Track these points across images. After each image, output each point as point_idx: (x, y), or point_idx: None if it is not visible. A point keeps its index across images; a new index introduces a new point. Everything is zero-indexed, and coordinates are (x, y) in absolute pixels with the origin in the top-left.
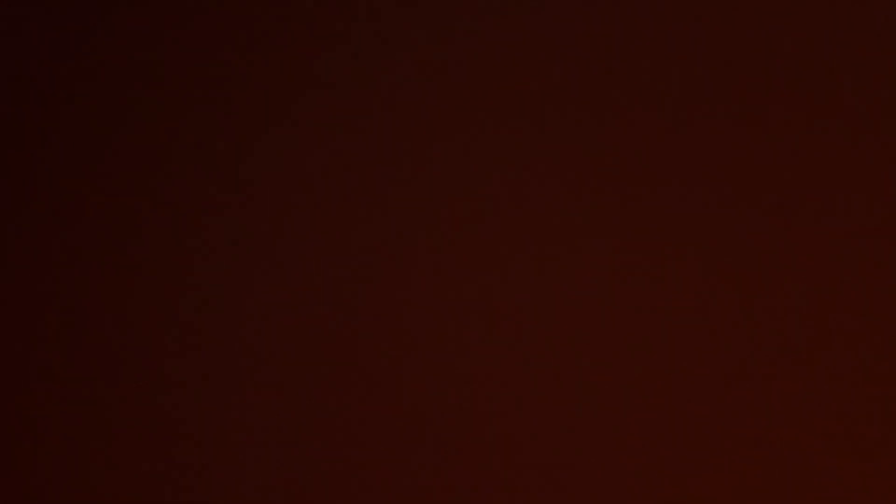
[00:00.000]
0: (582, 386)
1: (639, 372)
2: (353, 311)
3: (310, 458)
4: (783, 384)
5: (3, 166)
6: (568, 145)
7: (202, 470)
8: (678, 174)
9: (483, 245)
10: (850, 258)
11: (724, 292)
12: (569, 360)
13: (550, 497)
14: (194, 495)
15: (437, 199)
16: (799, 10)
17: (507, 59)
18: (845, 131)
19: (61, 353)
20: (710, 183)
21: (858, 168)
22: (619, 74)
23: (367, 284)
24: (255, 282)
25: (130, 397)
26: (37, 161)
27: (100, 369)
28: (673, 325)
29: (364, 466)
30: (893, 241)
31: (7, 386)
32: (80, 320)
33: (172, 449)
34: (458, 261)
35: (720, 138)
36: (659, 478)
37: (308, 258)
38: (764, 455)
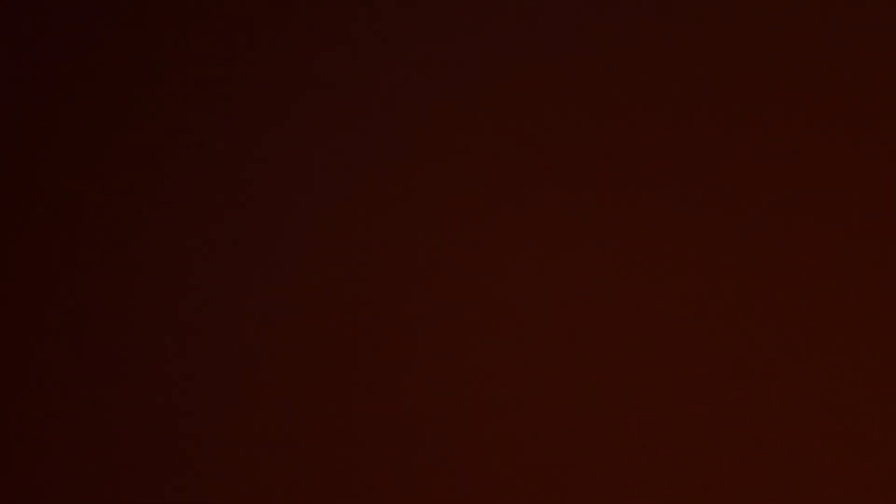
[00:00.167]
0: (582, 385)
1: (639, 372)
2: (354, 310)
3: (310, 458)
4: (783, 384)
5: (3, 166)
6: (568, 145)
7: (203, 470)
8: (678, 174)
9: (483, 245)
10: (850, 258)
11: (723, 292)
12: (569, 359)
13: (550, 497)
14: (195, 495)
15: (437, 198)
16: (798, 11)
17: (507, 59)
18: (844, 132)
19: (61, 353)
20: (709, 183)
21: (858, 168)
22: (619, 74)
23: (368, 284)
24: (255, 282)
25: (131, 397)
26: (37, 161)
27: (100, 369)
28: (673, 324)
29: (365, 466)
30: (893, 241)
31: (7, 386)
32: (81, 320)
33: (173, 449)
34: (458, 260)
35: (719, 138)
36: (659, 478)
37: (308, 258)
38: (764, 455)
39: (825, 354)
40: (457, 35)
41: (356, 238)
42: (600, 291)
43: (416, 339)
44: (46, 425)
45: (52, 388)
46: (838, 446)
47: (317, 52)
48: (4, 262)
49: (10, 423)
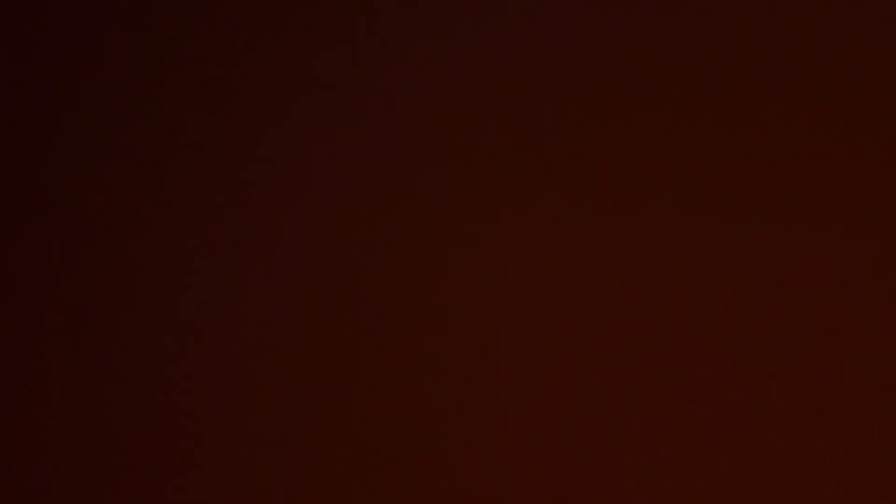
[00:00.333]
0: (582, 385)
1: (638, 372)
2: (354, 310)
3: (310, 458)
4: (783, 384)
5: (3, 166)
6: (568, 145)
7: (204, 470)
8: (678, 175)
9: (484, 245)
10: (850, 258)
11: (723, 292)
12: (569, 359)
13: (550, 497)
14: (196, 495)
15: (437, 198)
16: (798, 11)
17: (507, 59)
18: (844, 132)
19: (61, 353)
20: (709, 183)
21: (857, 169)
22: (619, 74)
23: (368, 284)
24: (255, 281)
25: (131, 397)
26: (37, 161)
27: (100, 369)
28: (673, 324)
29: (365, 466)
30: (893, 241)
31: (7, 386)
32: (81, 320)
33: (173, 449)
34: (459, 260)
35: (719, 139)
36: (659, 477)
37: (308, 258)
38: (764, 455)
39: (825, 354)
40: (457, 35)
41: (356, 238)
42: (600, 291)
43: (416, 339)
44: (46, 425)
45: (52, 388)
46: (838, 446)
47: (317, 52)
48: (4, 262)
49: (10, 423)
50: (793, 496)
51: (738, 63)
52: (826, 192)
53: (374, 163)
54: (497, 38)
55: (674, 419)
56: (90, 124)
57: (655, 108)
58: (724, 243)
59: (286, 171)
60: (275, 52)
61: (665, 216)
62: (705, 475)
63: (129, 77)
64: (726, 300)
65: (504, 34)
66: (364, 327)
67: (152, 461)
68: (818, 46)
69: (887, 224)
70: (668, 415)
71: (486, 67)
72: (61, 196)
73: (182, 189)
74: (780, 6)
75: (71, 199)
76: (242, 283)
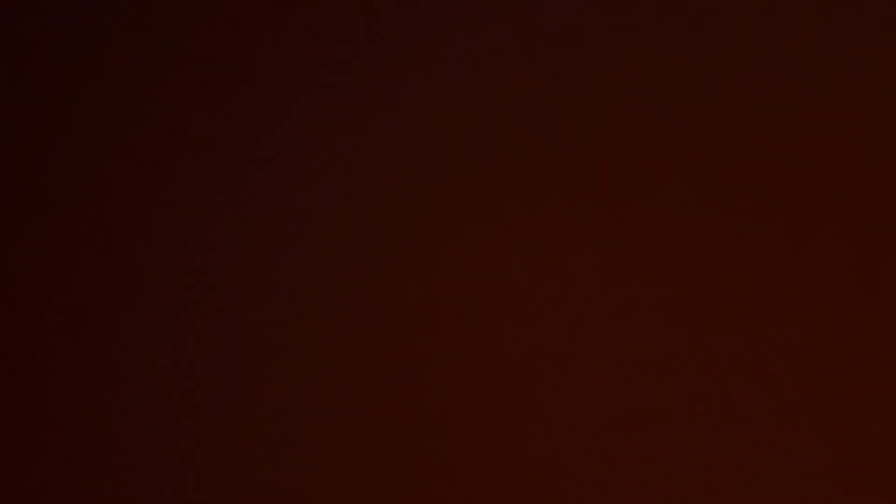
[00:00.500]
0: (583, 385)
1: (638, 372)
2: (354, 310)
3: (310, 457)
4: (782, 384)
5: (3, 166)
6: (568, 145)
7: (204, 470)
8: (678, 175)
9: (484, 245)
10: (850, 259)
11: (723, 292)
12: (570, 359)
13: (550, 496)
14: (196, 495)
15: (438, 198)
16: (799, 11)
17: (507, 59)
18: (844, 133)
19: (62, 353)
20: (709, 184)
21: (857, 169)
22: (619, 75)
23: (368, 283)
24: (256, 281)
25: (132, 397)
26: (37, 161)
27: (100, 369)
28: (672, 325)
29: (365, 466)
30: (893, 241)
31: (7, 386)
32: (81, 320)
33: (174, 449)
34: (459, 260)
35: (719, 140)
36: (659, 477)
37: (309, 258)
38: (764, 455)
39: (825, 355)
40: (457, 35)
41: (356, 238)
42: (601, 291)
43: (416, 339)
44: (46, 425)
45: (52, 388)
46: (838, 446)
47: (317, 53)
48: (4, 262)
49: (10, 423)
50: (793, 496)
51: (738, 64)
52: (826, 193)
53: (374, 163)
54: (497, 38)
55: (674, 419)
56: (91, 124)
57: (655, 109)
58: (724, 244)
59: (286, 171)
60: (275, 52)
61: (665, 217)
62: (705, 475)
63: (130, 77)
64: (726, 300)
65: (504, 34)
66: (364, 327)
67: (152, 461)
68: (818, 47)
69: (887, 224)
70: (668, 415)
71: (487, 67)
72: (62, 196)
73: (182, 189)
74: (780, 6)
75: (72, 198)
76: (243, 283)
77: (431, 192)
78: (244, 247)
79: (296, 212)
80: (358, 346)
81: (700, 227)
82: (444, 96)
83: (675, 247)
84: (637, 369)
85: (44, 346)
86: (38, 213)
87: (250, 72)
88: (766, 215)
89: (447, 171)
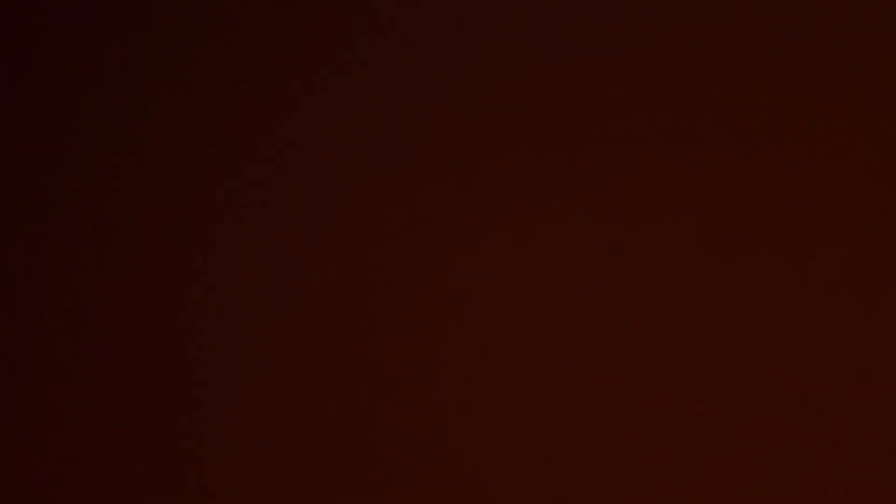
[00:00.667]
0: (582, 385)
1: (638, 372)
2: (354, 310)
3: (311, 457)
4: (782, 385)
5: (3, 166)
6: (568, 145)
7: (205, 470)
8: (679, 176)
9: (485, 244)
10: (850, 259)
11: (723, 293)
12: (569, 359)
13: (551, 496)
14: (197, 495)
15: (438, 198)
16: (799, 11)
17: (507, 59)
18: (844, 135)
19: (62, 353)
20: (709, 185)
21: (857, 169)
22: (619, 75)
23: (368, 283)
24: (257, 281)
25: (132, 397)
26: (37, 161)
27: (101, 369)
28: (672, 325)
29: (365, 466)
30: (893, 241)
31: (7, 386)
32: (81, 320)
33: (174, 449)
34: (460, 260)
35: (719, 140)
36: (659, 477)
37: (309, 258)
38: (764, 455)
39: (825, 355)
40: (457, 35)
41: (357, 238)
42: (601, 292)
43: (416, 338)
44: (47, 425)
45: (52, 388)
46: (838, 446)
47: (317, 52)
48: (4, 262)
49: (10, 423)
50: (793, 496)
51: (738, 64)
52: (826, 193)
53: (374, 162)
54: (497, 38)
55: (674, 419)
56: (91, 124)
57: (655, 109)
58: (723, 244)
59: (287, 171)
60: (275, 52)
61: (665, 217)
62: (705, 475)
63: (131, 77)
64: (726, 301)
65: (504, 34)
66: (365, 326)
67: (153, 461)
68: (818, 47)
69: (887, 224)
70: (667, 415)
71: (487, 67)
72: (62, 196)
73: (183, 188)
74: (780, 6)
75: (72, 198)
76: (243, 283)
77: (432, 192)
78: (245, 246)
79: (296, 211)
80: (358, 346)
81: (700, 227)
82: (444, 96)
83: (674, 247)
84: (637, 369)
85: (44, 346)
86: (39, 213)
87: (251, 72)
88: (765, 215)
89: (448, 171)
